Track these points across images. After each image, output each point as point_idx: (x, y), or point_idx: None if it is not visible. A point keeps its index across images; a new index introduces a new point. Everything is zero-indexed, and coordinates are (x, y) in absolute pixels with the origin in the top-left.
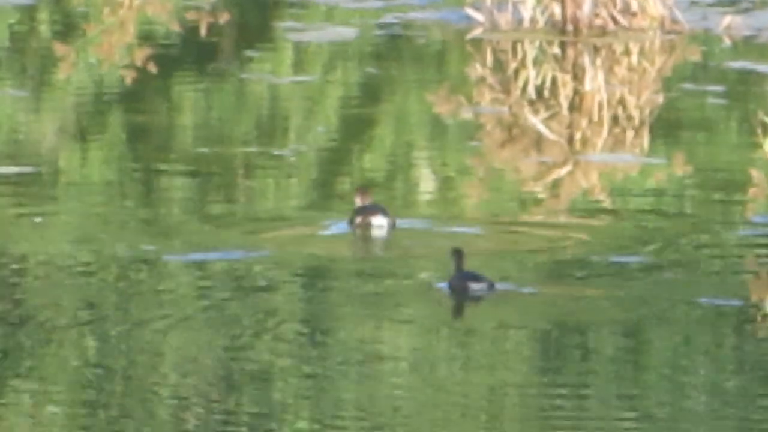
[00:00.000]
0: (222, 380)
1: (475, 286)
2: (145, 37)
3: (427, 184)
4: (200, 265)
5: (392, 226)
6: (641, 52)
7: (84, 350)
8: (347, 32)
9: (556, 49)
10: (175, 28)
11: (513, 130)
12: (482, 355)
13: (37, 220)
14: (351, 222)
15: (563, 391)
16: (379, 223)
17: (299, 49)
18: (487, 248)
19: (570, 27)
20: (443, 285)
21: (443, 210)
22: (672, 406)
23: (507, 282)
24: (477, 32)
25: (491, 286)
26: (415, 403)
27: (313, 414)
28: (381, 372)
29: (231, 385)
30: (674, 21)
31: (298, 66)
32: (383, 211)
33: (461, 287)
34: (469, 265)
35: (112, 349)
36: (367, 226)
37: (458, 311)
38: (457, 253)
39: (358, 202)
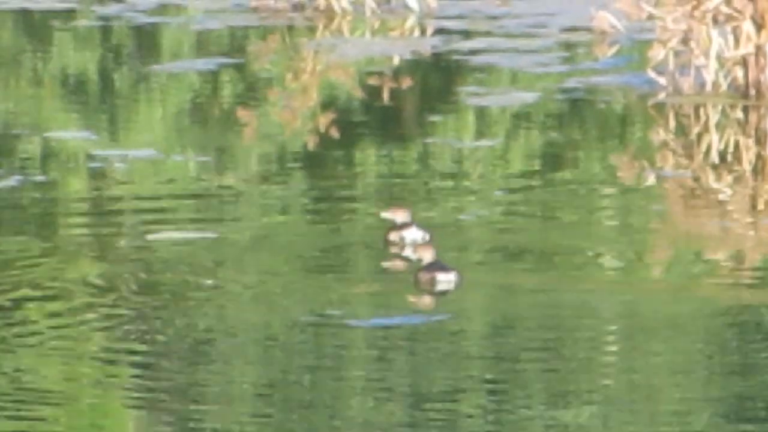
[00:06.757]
0: None
1: (441, 278)
2: (328, 103)
3: (611, 251)
4: (383, 330)
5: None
6: None
7: (266, 417)
8: (529, 97)
9: (739, 113)
10: (358, 93)
11: (696, 195)
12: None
13: (209, 282)
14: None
15: None
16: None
17: (482, 113)
18: (670, 312)
19: (753, 91)
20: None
21: (628, 275)
22: None
23: (690, 347)
24: (660, 96)
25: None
26: None
27: None
28: None
29: None
30: None
31: (481, 130)
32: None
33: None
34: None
35: (296, 416)
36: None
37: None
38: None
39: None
